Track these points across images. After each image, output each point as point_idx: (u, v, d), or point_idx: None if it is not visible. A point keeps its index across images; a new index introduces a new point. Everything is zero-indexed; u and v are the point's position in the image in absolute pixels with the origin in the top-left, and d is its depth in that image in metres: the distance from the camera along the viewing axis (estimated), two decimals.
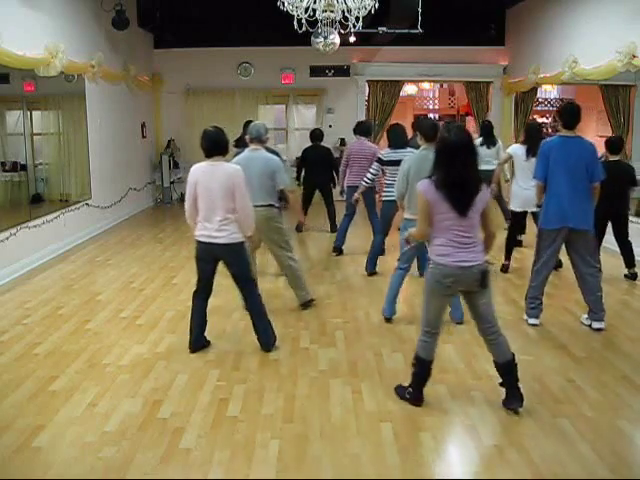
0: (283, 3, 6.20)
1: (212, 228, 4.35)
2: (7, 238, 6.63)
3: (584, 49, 8.77)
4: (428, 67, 12.32)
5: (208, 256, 4.47)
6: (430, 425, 3.51)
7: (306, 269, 7.13)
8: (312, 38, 8.98)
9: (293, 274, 5.54)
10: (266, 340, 4.61)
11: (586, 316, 5.18)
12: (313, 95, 12.67)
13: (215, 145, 4.38)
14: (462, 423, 3.54)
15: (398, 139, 6.26)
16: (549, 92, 14.19)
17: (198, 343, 4.61)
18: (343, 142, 12.48)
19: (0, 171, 7.37)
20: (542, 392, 3.92)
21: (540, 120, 14.69)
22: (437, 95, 16.77)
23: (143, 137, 11.84)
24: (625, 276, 6.65)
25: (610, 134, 9.91)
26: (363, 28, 6.75)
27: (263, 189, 5.17)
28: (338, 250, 7.76)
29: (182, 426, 3.49)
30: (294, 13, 6.24)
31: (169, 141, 12.43)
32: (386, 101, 12.72)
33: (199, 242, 4.46)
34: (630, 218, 7.63)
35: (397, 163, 5.42)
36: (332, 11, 6.33)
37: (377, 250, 6.76)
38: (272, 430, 3.45)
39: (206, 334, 4.72)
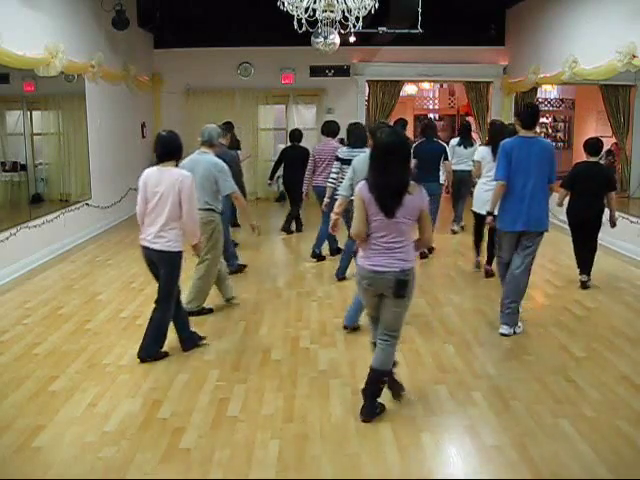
0: (283, 3, 6.20)
1: (152, 233, 4.31)
2: (7, 238, 6.63)
3: (584, 49, 8.77)
4: (428, 67, 12.32)
5: (149, 260, 4.43)
6: (430, 425, 3.51)
7: (307, 269, 7.15)
8: (312, 38, 8.98)
9: (201, 283, 5.31)
10: (148, 350, 4.41)
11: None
12: (313, 95, 12.67)
13: (167, 149, 4.38)
14: (462, 423, 3.54)
15: (355, 138, 6.09)
16: (549, 92, 14.18)
17: (190, 342, 4.60)
18: (343, 142, 12.44)
19: (0, 171, 7.38)
20: (542, 392, 3.92)
21: (540, 120, 14.68)
22: (437, 95, 16.77)
23: (143, 137, 11.84)
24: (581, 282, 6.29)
25: (610, 134, 9.94)
26: (363, 28, 6.75)
27: (205, 193, 5.16)
28: (317, 256, 7.47)
29: (182, 426, 3.49)
30: (294, 13, 6.24)
31: None
32: (386, 101, 12.72)
33: (141, 246, 4.43)
34: (631, 219, 7.66)
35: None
36: (332, 11, 6.33)
37: (351, 252, 6.23)
38: (272, 430, 3.45)
39: (204, 334, 4.74)
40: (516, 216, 4.82)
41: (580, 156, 13.51)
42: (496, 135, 6.39)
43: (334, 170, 6.37)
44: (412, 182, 3.40)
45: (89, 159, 8.99)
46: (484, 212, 5.32)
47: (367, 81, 12.66)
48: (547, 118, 14.86)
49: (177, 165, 4.44)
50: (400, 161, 3.38)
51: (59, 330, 5.05)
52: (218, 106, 12.50)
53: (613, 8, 8.07)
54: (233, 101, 12.58)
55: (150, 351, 4.42)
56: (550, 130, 14.71)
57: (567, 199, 6.27)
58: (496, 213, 5.03)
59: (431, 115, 16.51)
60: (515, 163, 4.78)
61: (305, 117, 12.87)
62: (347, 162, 5.95)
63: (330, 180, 6.48)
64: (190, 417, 3.60)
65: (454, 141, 9.13)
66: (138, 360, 4.38)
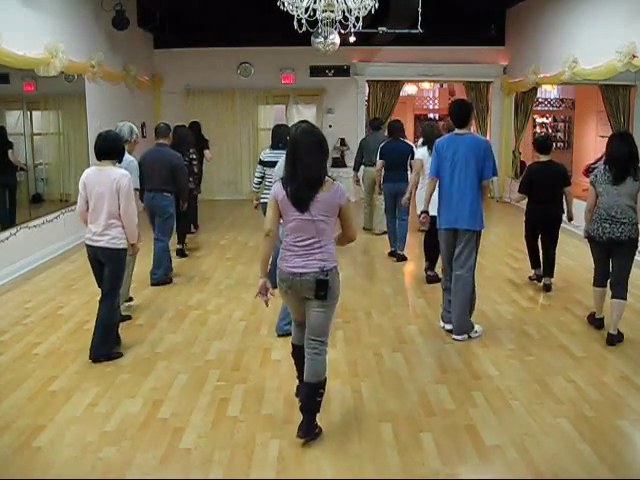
0: (283, 3, 6.18)
1: (96, 232, 4.38)
2: (7, 238, 6.63)
3: (584, 49, 8.77)
4: (428, 67, 12.32)
5: (94, 259, 4.49)
6: (430, 425, 3.51)
7: None
8: (312, 38, 8.97)
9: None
10: (97, 350, 4.39)
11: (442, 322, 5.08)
12: (313, 95, 12.67)
13: (105, 149, 4.41)
14: (462, 423, 3.54)
15: (278, 139, 5.88)
16: (549, 92, 14.18)
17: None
18: (343, 142, 12.49)
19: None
20: (542, 392, 3.92)
21: (540, 120, 14.70)
22: (437, 95, 16.78)
23: (143, 137, 11.81)
24: (531, 278, 6.36)
25: (610, 134, 9.90)
26: (363, 28, 6.73)
27: None
28: None
29: (182, 426, 3.49)
30: (294, 13, 6.22)
31: None
32: (386, 101, 12.72)
33: (85, 245, 4.49)
34: None
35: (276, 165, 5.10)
36: (332, 11, 6.32)
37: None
38: (272, 430, 3.45)
39: (204, 334, 4.73)
40: (446, 214, 4.85)
41: (580, 156, 13.51)
42: (429, 136, 6.46)
43: (257, 175, 6.19)
44: (328, 178, 3.29)
45: (89, 159, 8.97)
46: (434, 213, 5.20)
47: (367, 81, 12.66)
48: (547, 118, 14.87)
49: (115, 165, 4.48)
50: (314, 155, 3.26)
51: (59, 330, 5.05)
52: (218, 106, 12.51)
53: (613, 8, 8.07)
54: (233, 101, 12.58)
55: (99, 352, 4.39)
56: (550, 130, 14.72)
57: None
58: (432, 213, 5.04)
59: (431, 115, 16.52)
60: (442, 160, 4.81)
61: (305, 117, 12.85)
62: (269, 164, 5.82)
63: (254, 185, 6.35)
64: (190, 417, 3.60)
65: (420, 141, 9.05)
66: (92, 361, 4.35)
